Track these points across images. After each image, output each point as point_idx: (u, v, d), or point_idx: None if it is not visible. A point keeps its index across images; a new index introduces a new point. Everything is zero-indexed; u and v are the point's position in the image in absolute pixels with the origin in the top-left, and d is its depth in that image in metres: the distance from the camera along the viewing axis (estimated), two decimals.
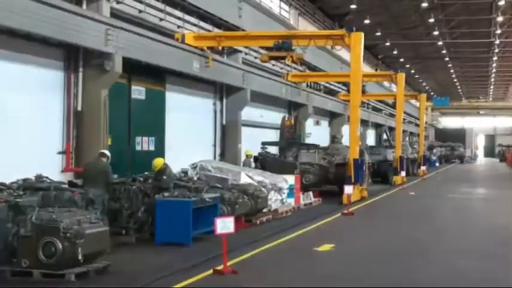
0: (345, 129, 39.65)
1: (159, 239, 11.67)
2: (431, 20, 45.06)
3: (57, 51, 15.19)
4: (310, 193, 19.70)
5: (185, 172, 19.41)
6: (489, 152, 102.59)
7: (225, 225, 9.29)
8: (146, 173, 13.57)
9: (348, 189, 17.54)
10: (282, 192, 16.30)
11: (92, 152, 15.42)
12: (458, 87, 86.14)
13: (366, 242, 12.98)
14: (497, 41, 51.76)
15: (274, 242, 12.39)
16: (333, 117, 39.53)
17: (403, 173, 29.52)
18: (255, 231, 13.85)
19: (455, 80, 78.83)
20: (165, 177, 12.64)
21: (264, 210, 15.50)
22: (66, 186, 11.14)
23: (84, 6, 15.82)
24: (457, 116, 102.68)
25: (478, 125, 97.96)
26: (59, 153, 15.39)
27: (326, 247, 11.77)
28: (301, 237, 13.45)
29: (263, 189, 15.39)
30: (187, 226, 11.38)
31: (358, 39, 20.55)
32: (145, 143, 18.92)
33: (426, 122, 58.80)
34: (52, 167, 15.00)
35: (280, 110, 30.67)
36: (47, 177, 10.71)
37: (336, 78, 34.74)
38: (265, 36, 21.09)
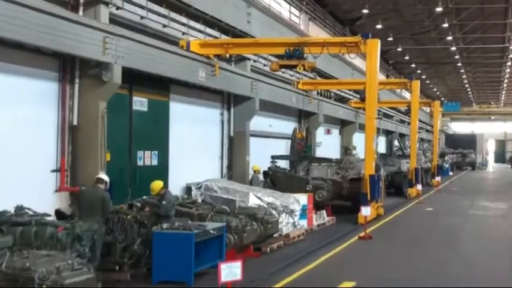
0: (356, 137, 38.69)
1: (156, 277, 10.35)
2: (445, 25, 43.96)
3: (51, 61, 14.00)
4: (324, 212, 18.39)
5: (189, 187, 18.29)
6: (499, 158, 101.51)
7: (231, 271, 7.90)
8: (145, 197, 12.30)
9: (365, 210, 16.17)
10: (293, 214, 14.97)
11: (89, 169, 14.40)
12: (469, 93, 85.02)
13: (389, 277, 11.63)
14: None
15: (287, 279, 11.03)
16: (343, 124, 38.28)
17: (419, 186, 28.16)
18: (265, 262, 12.50)
19: (466, 86, 77.71)
20: (164, 202, 11.37)
21: (275, 234, 14.18)
22: (51, 218, 9.84)
23: (81, 12, 14.65)
24: (467, 121, 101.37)
25: (488, 130, 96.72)
26: (53, 171, 14.17)
27: (346, 285, 10.48)
28: (316, 270, 12.09)
29: (273, 211, 14.11)
30: (189, 262, 10.03)
31: (374, 46, 19.31)
32: (147, 158, 17.73)
33: None
34: (45, 187, 13.94)
35: (290, 118, 29.45)
36: (28, 209, 9.44)
37: (348, 86, 33.46)
38: (275, 43, 19.84)
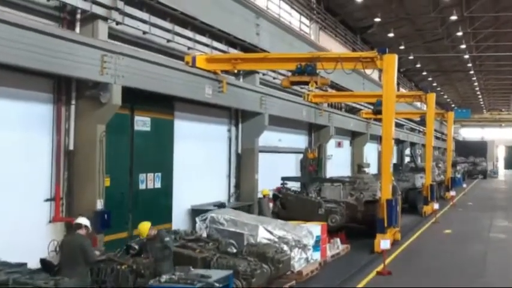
0: (367, 148, 37.57)
1: None
2: (459, 34, 42.97)
3: (45, 82, 12.98)
4: (338, 240, 17.18)
5: (197, 210, 17.26)
6: (509, 164, 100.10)
7: None
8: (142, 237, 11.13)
9: (384, 243, 14.93)
10: (306, 248, 13.77)
11: (86, 197, 13.45)
12: (480, 100, 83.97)
13: None
14: None
15: None
16: (354, 135, 37.12)
17: (436, 205, 26.88)
18: None
19: (478, 93, 76.70)
20: (167, 238, 10.18)
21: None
22: (34, 272, 8.68)
23: (78, 28, 13.62)
24: (476, 127, 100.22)
25: (498, 136, 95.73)
26: (47, 200, 13.13)
27: None
28: None
29: (285, 247, 12.91)
30: None
31: (392, 61, 18.09)
32: (150, 181, 16.72)
33: (446, 135, 56.08)
34: (38, 217, 12.94)
35: (300, 132, 28.43)
36: (7, 263, 8.31)
37: (361, 98, 32.19)
38: (286, 58, 18.70)
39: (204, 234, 13.16)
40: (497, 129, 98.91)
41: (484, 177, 70.26)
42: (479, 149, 78.47)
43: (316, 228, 14.89)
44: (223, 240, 12.46)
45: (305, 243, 13.61)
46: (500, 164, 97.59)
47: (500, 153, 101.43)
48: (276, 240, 13.20)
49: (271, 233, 13.34)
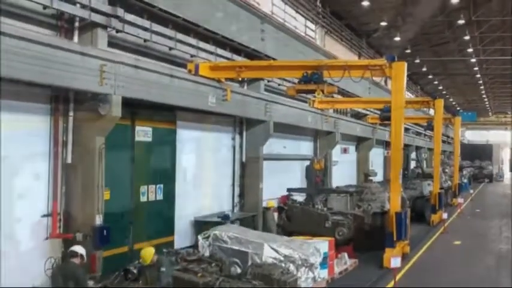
0: (373, 153, 37.02)
1: None
2: (467, 38, 42.48)
3: (42, 93, 12.47)
4: (345, 255, 16.59)
5: (200, 222, 16.80)
6: None
7: None
8: (140, 260, 10.61)
9: (395, 261, 14.34)
10: (314, 267, 13.18)
11: (85, 213, 12.93)
12: (486, 103, 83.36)
13: None
14: None
15: None
16: (360, 141, 36.56)
17: (445, 215, 26.22)
18: None
19: (483, 96, 76.07)
20: (163, 269, 9.66)
21: None
22: None
23: (76, 37, 13.13)
24: (481, 130, 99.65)
25: (503, 138, 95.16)
26: (44, 216, 12.64)
27: None
28: None
29: (291, 266, 12.35)
30: None
31: (401, 69, 17.46)
32: (151, 192, 16.28)
33: (452, 138, 55.39)
34: (35, 234, 12.46)
35: (305, 138, 27.90)
36: None
37: (368, 104, 31.58)
38: (292, 66, 18.05)
39: (207, 253, 12.63)
40: (502, 132, 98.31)
41: (490, 181, 69.66)
42: (484, 152, 77.78)
43: (323, 245, 14.29)
44: (226, 260, 11.93)
45: (312, 262, 13.00)
46: (506, 167, 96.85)
47: (505, 156, 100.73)
48: (282, 259, 12.62)
49: (276, 251, 12.74)
